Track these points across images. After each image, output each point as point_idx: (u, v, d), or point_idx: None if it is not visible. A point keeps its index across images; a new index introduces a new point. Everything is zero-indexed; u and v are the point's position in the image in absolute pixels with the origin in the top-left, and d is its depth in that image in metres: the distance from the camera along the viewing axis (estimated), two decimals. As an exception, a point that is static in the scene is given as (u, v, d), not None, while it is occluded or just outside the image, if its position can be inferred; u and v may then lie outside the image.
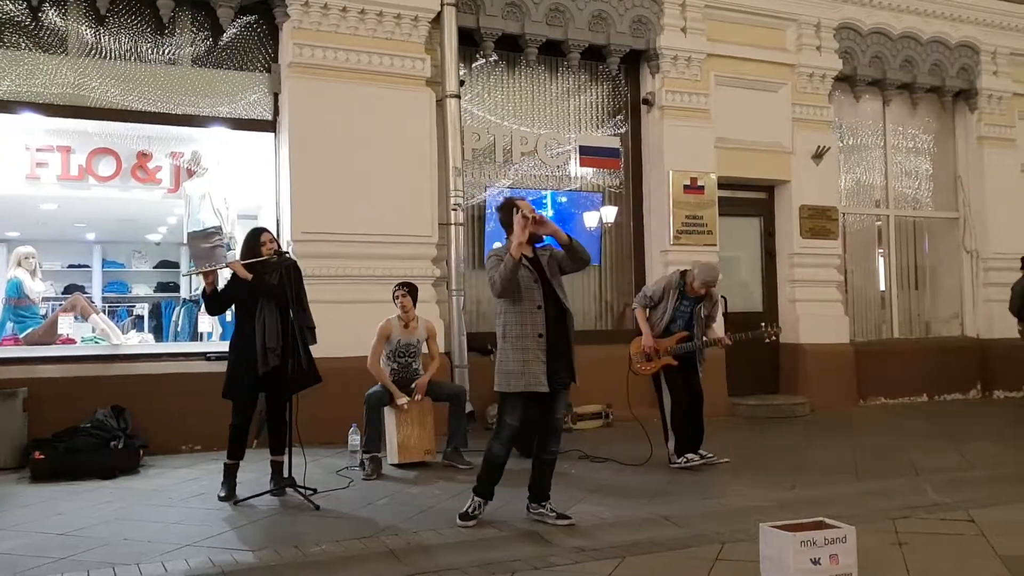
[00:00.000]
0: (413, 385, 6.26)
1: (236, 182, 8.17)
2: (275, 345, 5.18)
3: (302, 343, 5.21)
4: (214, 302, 5.41)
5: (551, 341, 4.52)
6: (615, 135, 9.20)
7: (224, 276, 5.61)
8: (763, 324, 6.50)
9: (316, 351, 5.43)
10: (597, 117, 9.22)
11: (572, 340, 4.68)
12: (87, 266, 10.10)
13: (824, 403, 9.26)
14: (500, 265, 4.50)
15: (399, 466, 6.19)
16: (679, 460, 6.20)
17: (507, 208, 4.65)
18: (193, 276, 9.07)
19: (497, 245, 4.86)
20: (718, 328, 6.37)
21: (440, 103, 7.97)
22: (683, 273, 6.32)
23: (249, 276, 5.23)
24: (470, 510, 4.63)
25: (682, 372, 6.26)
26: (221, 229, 8.03)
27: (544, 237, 4.66)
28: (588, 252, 4.68)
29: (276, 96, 7.66)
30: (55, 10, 7.04)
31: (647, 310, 6.38)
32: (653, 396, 6.52)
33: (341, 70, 7.57)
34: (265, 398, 5.42)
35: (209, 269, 5.39)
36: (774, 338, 6.57)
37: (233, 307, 5.48)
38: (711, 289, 6.26)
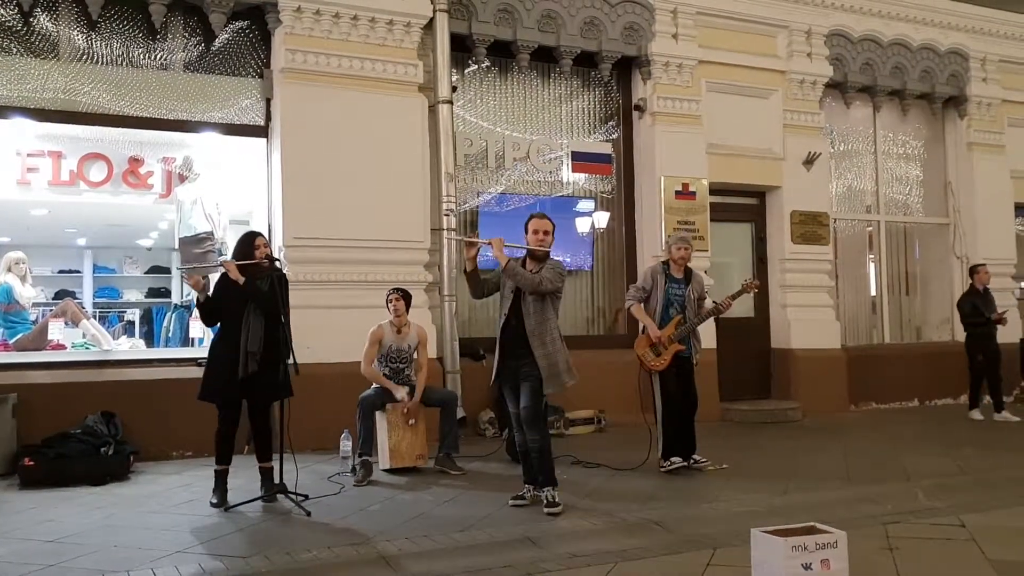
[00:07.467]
0: (407, 409, 6.23)
1: (228, 187, 8.15)
2: (256, 350, 5.16)
3: (289, 352, 5.17)
4: (209, 311, 5.37)
5: (509, 346, 5.10)
6: (607, 141, 9.22)
7: (213, 279, 5.56)
8: (742, 283, 6.55)
9: (307, 356, 5.41)
10: (589, 123, 9.25)
11: (534, 346, 5.04)
12: (78, 271, 10.07)
13: (815, 408, 9.29)
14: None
15: (390, 471, 6.17)
16: (665, 463, 6.23)
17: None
18: (185, 281, 9.04)
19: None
20: (707, 305, 6.44)
21: (432, 109, 7.97)
22: (664, 262, 6.44)
23: (241, 279, 5.20)
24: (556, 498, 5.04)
25: (676, 378, 6.28)
26: (213, 234, 8.00)
27: (547, 254, 5.18)
28: (531, 282, 5.01)
29: (268, 101, 7.66)
30: (46, 15, 7.01)
31: (642, 304, 6.40)
32: (643, 401, 6.51)
33: (333, 76, 7.56)
34: (248, 406, 5.38)
35: (204, 267, 5.30)
36: (756, 289, 6.96)
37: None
38: (694, 272, 6.41)
